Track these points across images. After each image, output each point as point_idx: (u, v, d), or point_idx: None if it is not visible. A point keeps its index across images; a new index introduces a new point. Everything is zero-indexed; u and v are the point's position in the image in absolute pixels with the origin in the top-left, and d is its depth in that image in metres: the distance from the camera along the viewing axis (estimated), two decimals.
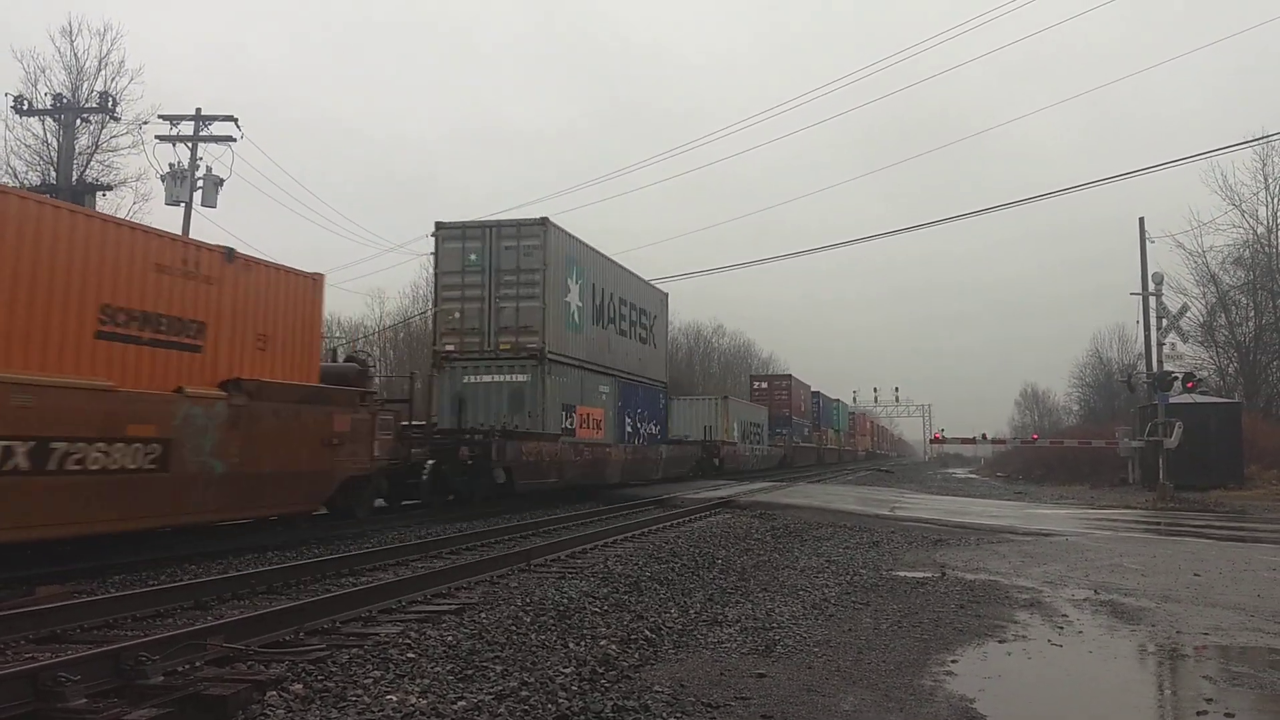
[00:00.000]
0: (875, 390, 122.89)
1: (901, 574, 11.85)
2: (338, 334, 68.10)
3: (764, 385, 63.18)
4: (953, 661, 7.11)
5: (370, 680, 5.95)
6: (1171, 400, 31.49)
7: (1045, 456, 56.11)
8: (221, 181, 31.97)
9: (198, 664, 6.22)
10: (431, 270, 24.12)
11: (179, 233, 32.04)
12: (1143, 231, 34.28)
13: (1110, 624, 8.78)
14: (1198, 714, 5.81)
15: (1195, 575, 11.91)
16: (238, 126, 31.82)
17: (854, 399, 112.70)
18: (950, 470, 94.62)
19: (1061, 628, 8.53)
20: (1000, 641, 7.91)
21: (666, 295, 33.40)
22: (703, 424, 44.32)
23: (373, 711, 5.32)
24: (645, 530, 16.34)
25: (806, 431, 69.04)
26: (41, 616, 7.48)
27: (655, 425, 30.80)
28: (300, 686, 5.74)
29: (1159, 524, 21.57)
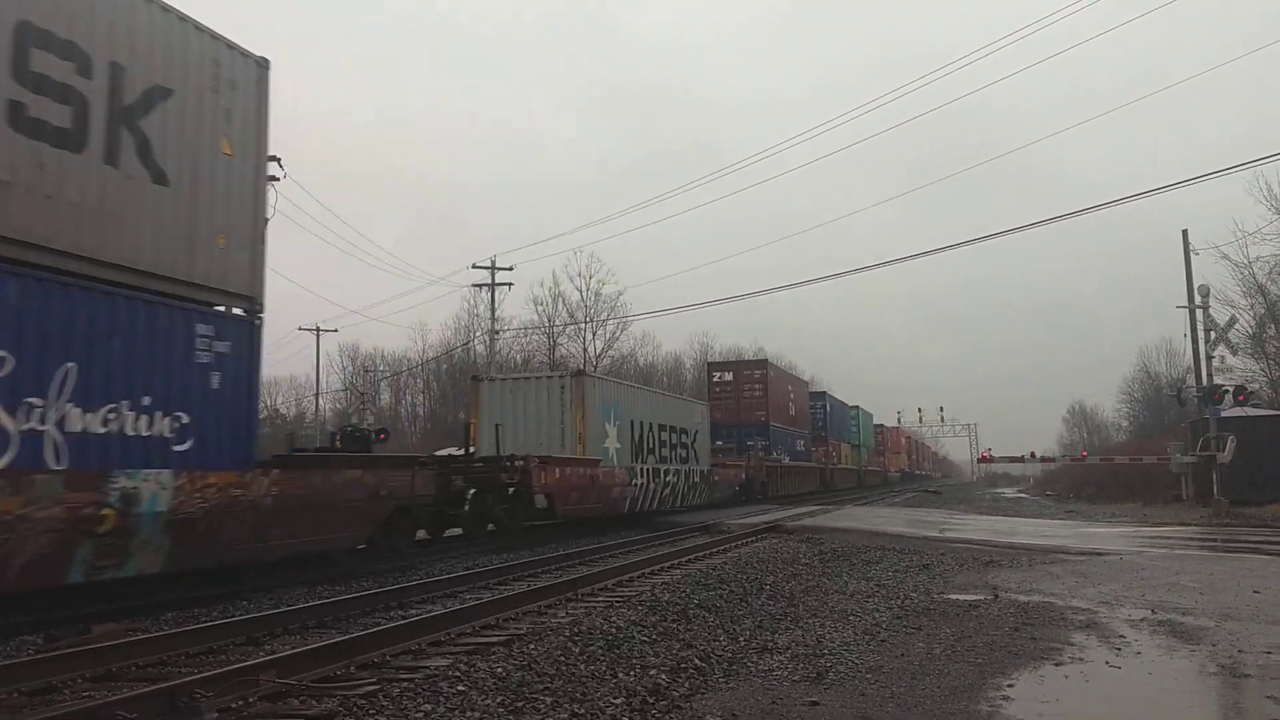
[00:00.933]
0: (920, 410, 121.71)
1: (953, 597, 11.69)
2: (382, 368, 68.83)
3: (726, 377, 46.69)
4: (1009, 685, 6.99)
5: (421, 714, 5.96)
6: (1223, 414, 30.93)
7: (1096, 474, 55.24)
8: (265, 221, 32.40)
9: (251, 700, 6.27)
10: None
11: None
12: (1187, 244, 33.83)
13: (1169, 644, 8.60)
14: None
15: (1255, 592, 11.65)
16: (280, 166, 32.32)
17: (898, 419, 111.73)
18: (999, 490, 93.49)
19: (1119, 649, 8.37)
20: (1057, 664, 7.77)
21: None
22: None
23: None
24: (691, 557, 16.27)
25: (801, 446, 51.97)
26: (98, 655, 7.57)
27: None
28: None
29: (1215, 540, 21.14)
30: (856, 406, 71.84)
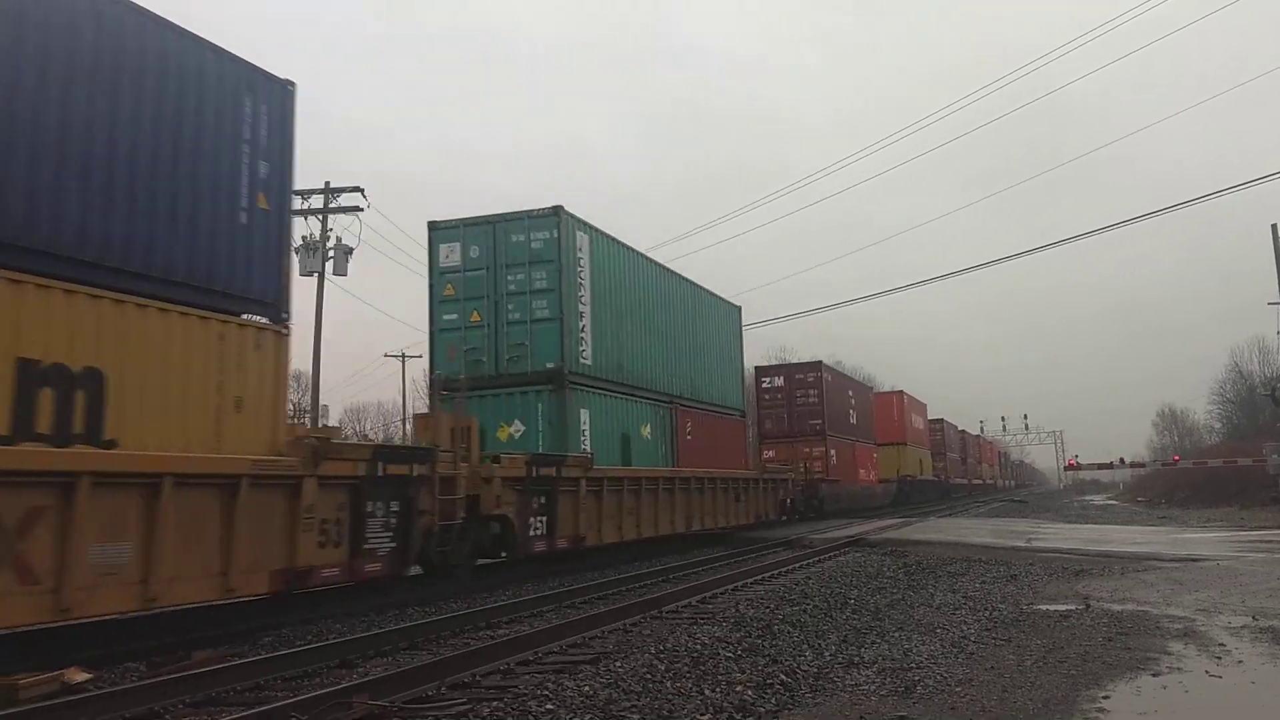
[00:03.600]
0: (1004, 419, 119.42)
1: (1043, 607, 11.48)
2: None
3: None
4: (1104, 697, 6.85)
5: None
6: None
7: (1188, 478, 53.74)
8: (350, 250, 33.26)
9: None
10: None
11: (314, 301, 33.10)
12: (1276, 238, 32.91)
13: (1273, 651, 8.35)
14: None
15: None
16: (364, 196, 33.11)
17: (981, 429, 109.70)
18: (1087, 497, 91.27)
19: (1219, 657, 8.15)
20: (1154, 674, 7.59)
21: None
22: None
23: None
24: (775, 573, 16.20)
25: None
26: (198, 680, 7.79)
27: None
28: None
29: None
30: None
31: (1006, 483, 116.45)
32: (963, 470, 76.81)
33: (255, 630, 10.81)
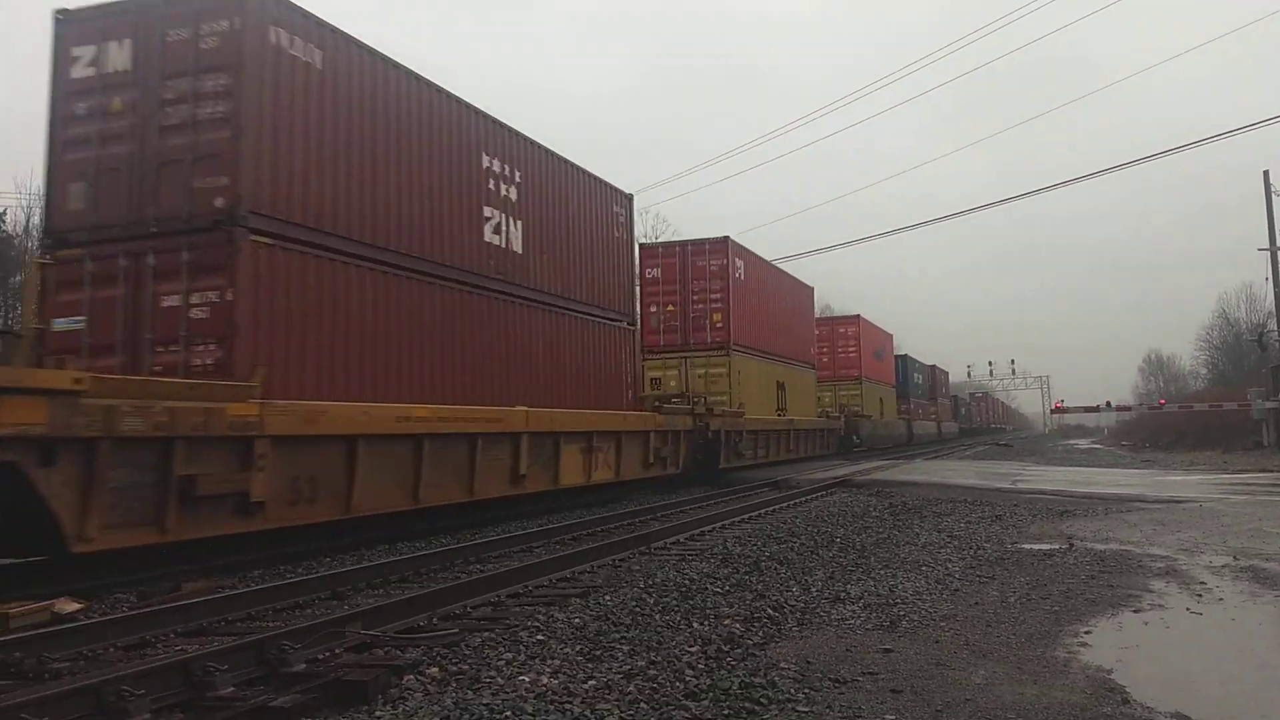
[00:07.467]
0: (990, 364, 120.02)
1: (1027, 546, 11.60)
2: None
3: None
4: (1086, 633, 6.95)
5: (503, 662, 6.10)
6: None
7: (1173, 422, 54.24)
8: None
9: (337, 651, 6.45)
10: None
11: None
12: (1268, 185, 32.90)
13: (1253, 590, 8.48)
14: None
15: None
16: None
17: (968, 373, 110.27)
18: (1072, 441, 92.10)
19: (1200, 595, 8.27)
20: (1135, 611, 7.70)
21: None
22: None
23: (507, 692, 5.45)
24: (762, 511, 16.33)
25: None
26: (188, 611, 7.83)
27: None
28: (436, 670, 5.92)
29: None
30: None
31: (994, 426, 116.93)
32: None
33: (246, 564, 10.87)
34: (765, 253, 30.60)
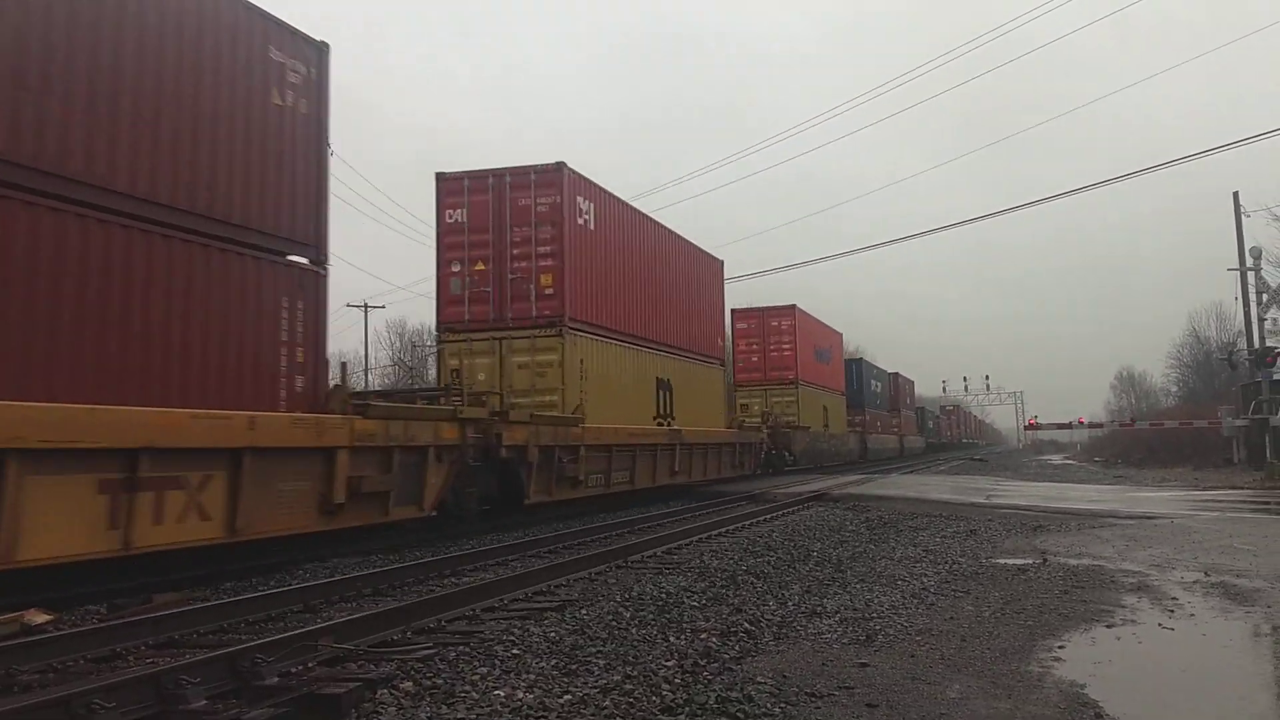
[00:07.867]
0: (965, 379, 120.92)
1: (1001, 561, 11.66)
2: (429, 342, 69.39)
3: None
4: (1060, 647, 6.99)
5: (477, 677, 6.07)
6: (1276, 377, 30.48)
7: (1145, 439, 54.57)
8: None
9: (310, 664, 6.40)
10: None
11: None
12: (1238, 206, 33.36)
13: (1223, 606, 8.54)
14: None
15: None
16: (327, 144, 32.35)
17: (943, 389, 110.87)
18: (1045, 457, 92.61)
19: (1172, 611, 8.33)
20: (1108, 626, 7.75)
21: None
22: None
23: (481, 707, 5.43)
24: (739, 525, 16.33)
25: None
26: (159, 623, 7.74)
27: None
28: (410, 684, 5.89)
29: (1268, 503, 20.84)
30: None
31: (968, 441, 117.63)
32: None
33: (217, 576, 10.77)
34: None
